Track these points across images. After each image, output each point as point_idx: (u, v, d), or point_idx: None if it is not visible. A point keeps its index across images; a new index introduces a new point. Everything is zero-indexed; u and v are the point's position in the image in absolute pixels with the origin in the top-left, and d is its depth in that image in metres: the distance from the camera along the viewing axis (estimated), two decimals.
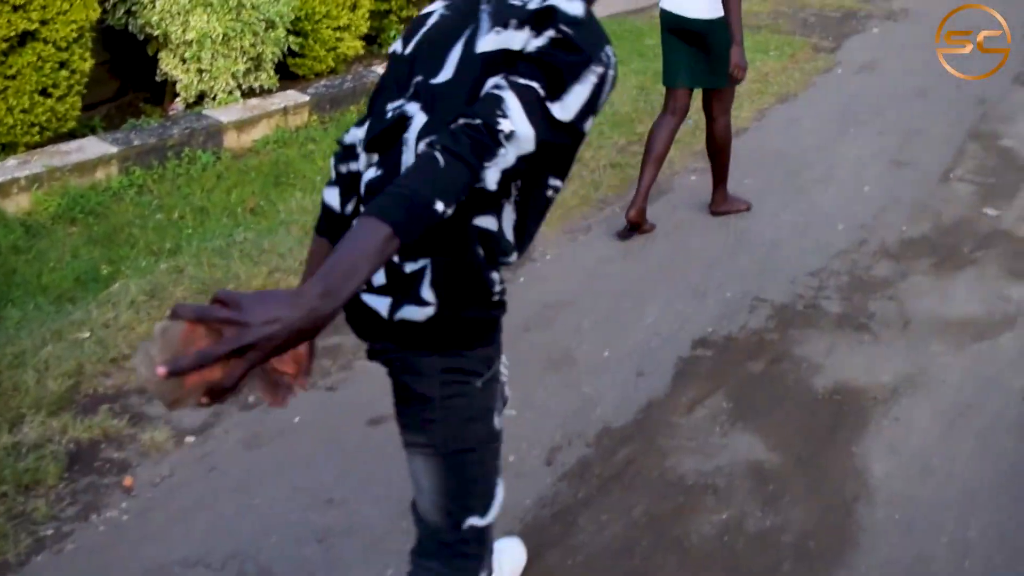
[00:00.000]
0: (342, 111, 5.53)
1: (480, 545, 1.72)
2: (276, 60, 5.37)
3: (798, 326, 3.58)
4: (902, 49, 8.00)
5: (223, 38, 4.95)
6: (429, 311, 1.47)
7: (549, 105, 1.33)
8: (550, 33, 1.37)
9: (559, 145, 1.40)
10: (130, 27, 5.02)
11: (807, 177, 5.00)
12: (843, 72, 7.15)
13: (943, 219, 4.57)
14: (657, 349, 3.40)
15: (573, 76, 1.34)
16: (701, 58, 4.11)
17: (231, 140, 4.96)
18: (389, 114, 1.49)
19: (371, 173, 1.50)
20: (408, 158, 1.45)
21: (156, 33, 4.95)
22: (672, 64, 4.19)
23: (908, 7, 9.90)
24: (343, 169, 1.63)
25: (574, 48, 1.36)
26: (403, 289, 1.47)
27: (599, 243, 4.25)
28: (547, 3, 1.40)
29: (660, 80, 4.35)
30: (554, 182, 1.51)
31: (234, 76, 5.15)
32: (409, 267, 1.46)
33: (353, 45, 5.80)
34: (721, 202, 4.46)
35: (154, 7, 4.85)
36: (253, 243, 3.92)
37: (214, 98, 5.14)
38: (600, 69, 1.37)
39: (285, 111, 5.20)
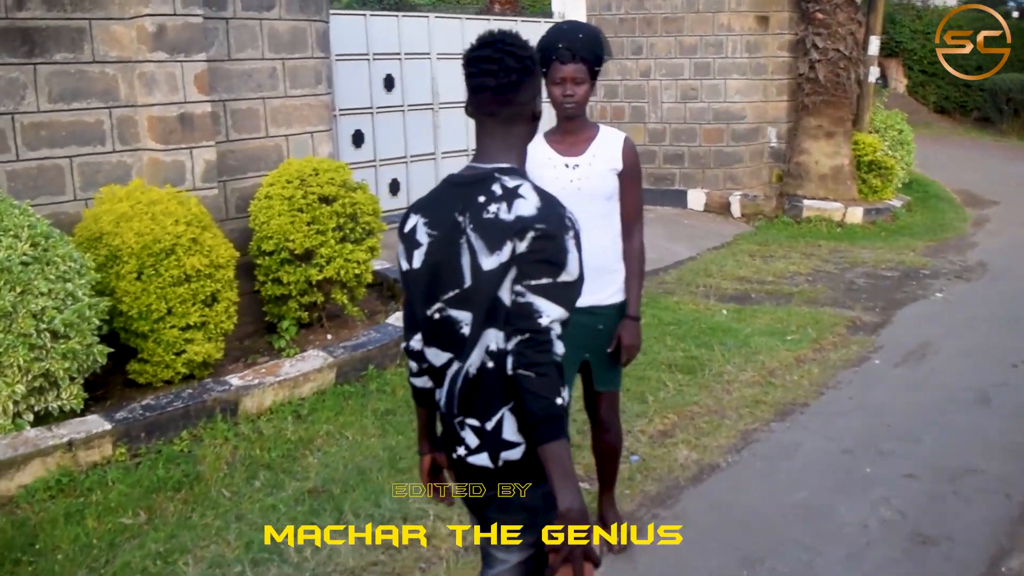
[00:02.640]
0: (168, 439, 4.19)
1: None
2: (83, 375, 4.14)
3: None
4: (969, 323, 6.32)
5: None
6: (521, 449, 1.95)
7: (559, 279, 1.85)
8: (530, 235, 1.85)
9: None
10: None
11: (774, 571, 3.31)
12: (881, 363, 5.48)
13: None
14: None
15: (562, 253, 1.85)
16: None
17: None
18: (436, 316, 2.00)
19: (455, 368, 1.99)
20: (469, 347, 1.95)
21: None
22: None
23: (987, 260, 8.27)
24: (424, 366, 2.11)
25: (550, 236, 1.85)
26: (494, 440, 1.96)
27: None
28: (515, 214, 1.87)
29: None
30: None
31: (12, 399, 3.93)
32: (489, 424, 1.95)
33: (202, 349, 4.52)
34: None
35: None
36: None
37: None
38: (571, 233, 1.89)
39: (70, 445, 3.91)
